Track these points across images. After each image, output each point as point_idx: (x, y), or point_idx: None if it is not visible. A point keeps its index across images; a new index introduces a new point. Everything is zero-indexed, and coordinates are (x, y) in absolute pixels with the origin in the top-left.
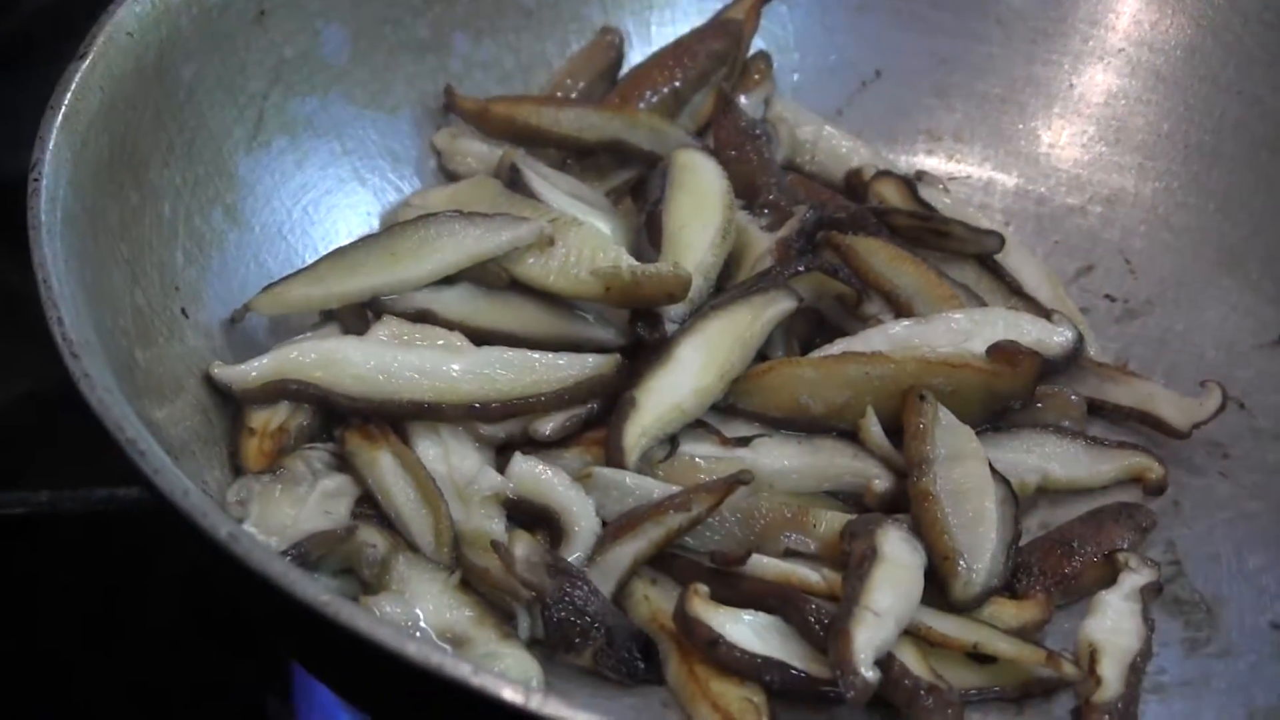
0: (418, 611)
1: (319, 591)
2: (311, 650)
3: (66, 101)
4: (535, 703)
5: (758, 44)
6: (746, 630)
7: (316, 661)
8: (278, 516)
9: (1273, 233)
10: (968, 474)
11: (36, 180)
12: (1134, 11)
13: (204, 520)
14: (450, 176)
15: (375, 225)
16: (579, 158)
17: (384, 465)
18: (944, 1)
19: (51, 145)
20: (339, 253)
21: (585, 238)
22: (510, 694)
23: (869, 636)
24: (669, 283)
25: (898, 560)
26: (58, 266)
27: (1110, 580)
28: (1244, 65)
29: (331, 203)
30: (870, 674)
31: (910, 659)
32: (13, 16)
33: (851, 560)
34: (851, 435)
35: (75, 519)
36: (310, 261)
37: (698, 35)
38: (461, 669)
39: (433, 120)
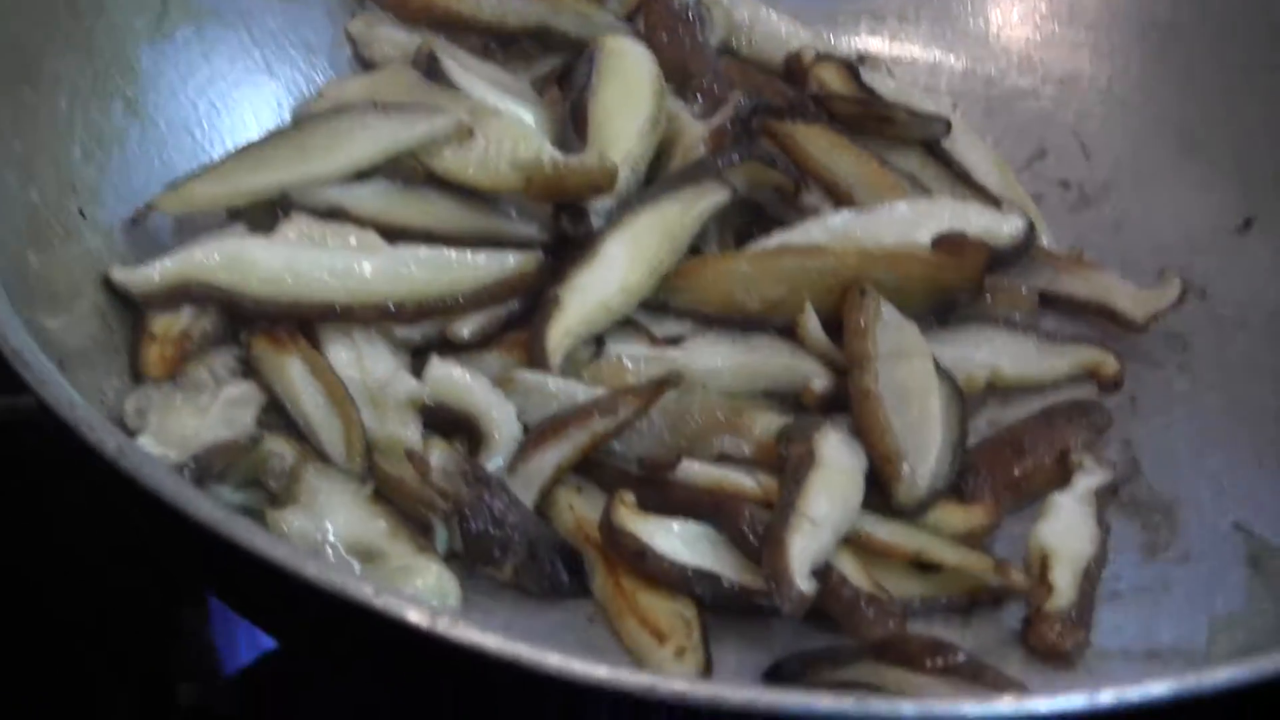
0: (327, 525)
1: (212, 509)
2: (211, 571)
3: None
4: (442, 626)
5: None
6: (676, 540)
7: (218, 583)
8: (178, 427)
9: (1235, 113)
10: (911, 372)
11: None
12: None
13: (90, 434)
14: (366, 65)
15: (287, 119)
16: (502, 45)
17: (292, 371)
18: None
19: None
20: (247, 149)
21: (505, 129)
22: (415, 616)
23: (805, 545)
24: (594, 174)
25: (836, 464)
26: None
27: (1063, 482)
28: None
29: (240, 96)
30: (807, 585)
31: (849, 568)
32: None
33: (788, 465)
34: (789, 332)
35: None
36: (217, 158)
37: None
38: (364, 590)
39: (347, 7)
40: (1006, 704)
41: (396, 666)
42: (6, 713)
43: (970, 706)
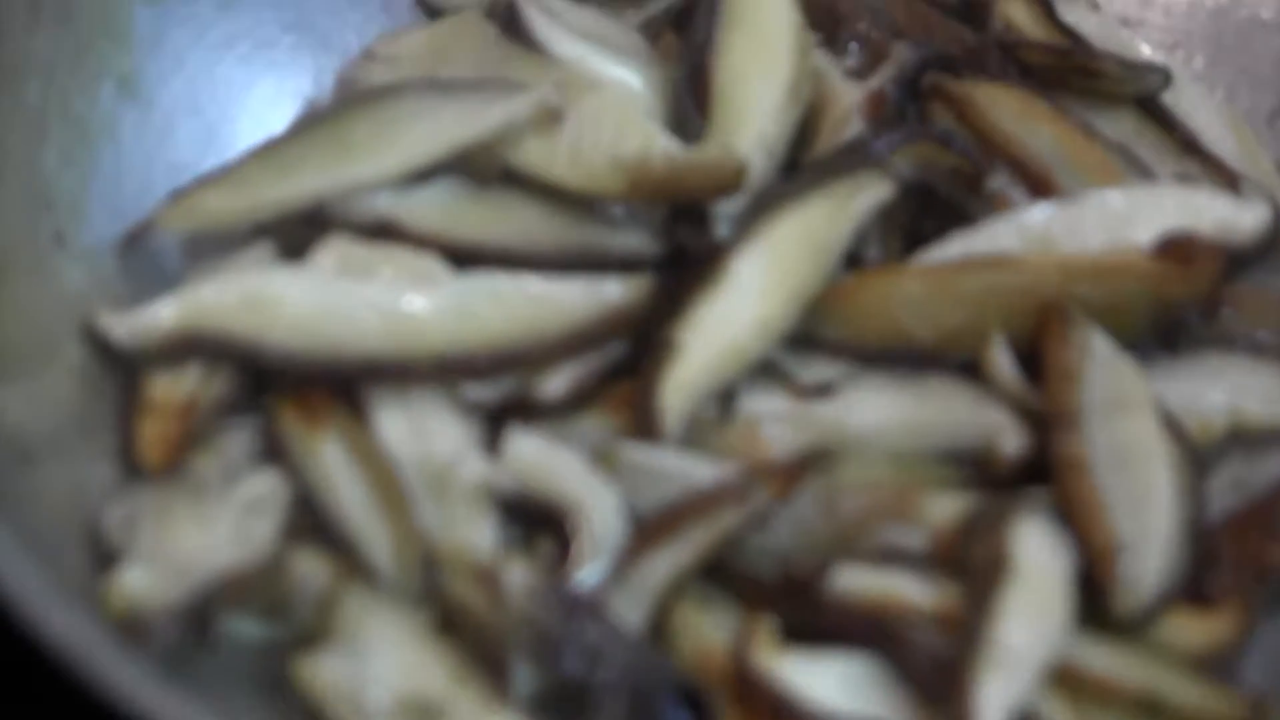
0: (374, 670)
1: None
2: None
3: None
4: None
5: None
6: (831, 682)
7: None
8: (178, 544)
9: None
10: (1131, 429)
11: None
12: None
13: (25, 607)
14: (431, 12)
15: (329, 85)
16: None
17: (328, 454)
18: None
19: None
20: (273, 144)
21: (606, 109)
22: None
23: (1001, 686)
24: (718, 172)
25: (1038, 570)
26: None
27: None
28: None
29: (268, 60)
30: None
31: (1059, 714)
32: None
33: (974, 570)
34: (972, 370)
35: None
36: (236, 156)
37: None
38: None
39: None
40: None
41: None
42: None
43: None
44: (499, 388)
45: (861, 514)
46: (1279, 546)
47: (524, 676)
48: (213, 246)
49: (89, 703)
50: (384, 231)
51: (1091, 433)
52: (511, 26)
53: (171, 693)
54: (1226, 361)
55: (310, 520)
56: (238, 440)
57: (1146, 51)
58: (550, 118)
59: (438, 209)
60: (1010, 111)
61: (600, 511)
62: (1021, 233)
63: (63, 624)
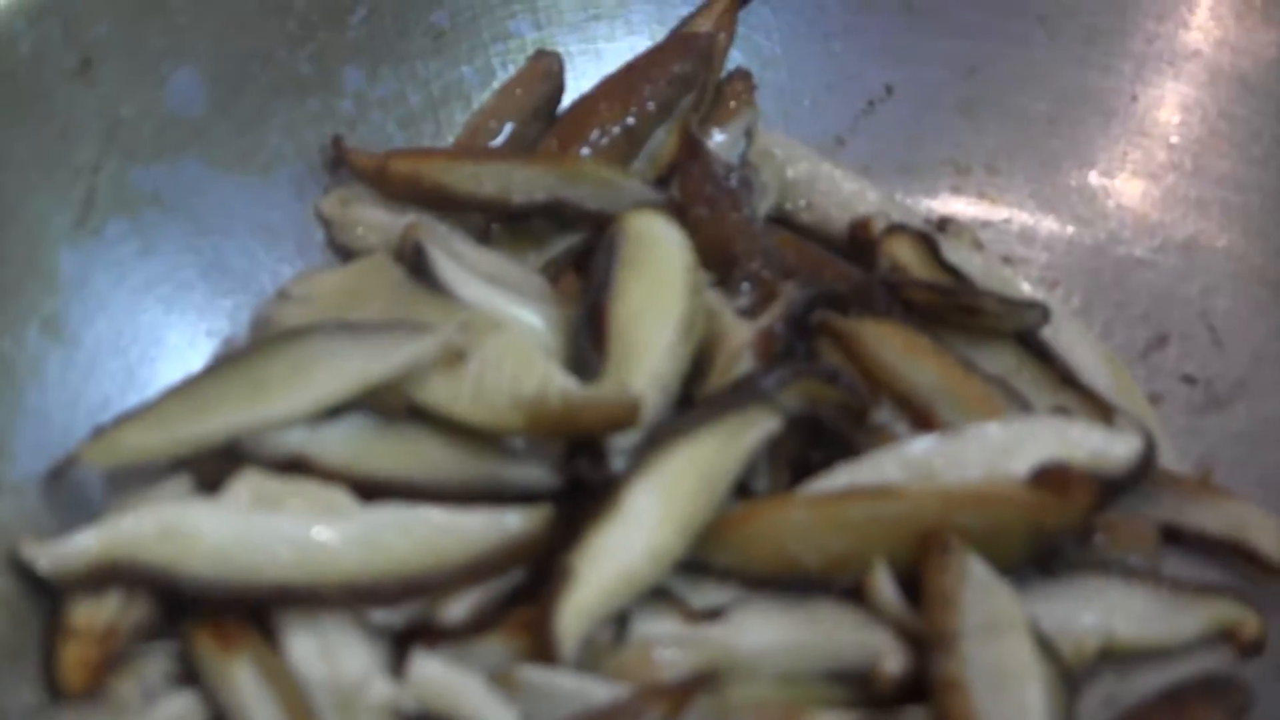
0: None
1: None
2: None
3: None
4: None
5: (735, 59)
6: None
7: None
8: None
9: None
10: (1007, 652)
11: None
12: (1211, 3)
13: None
14: (343, 253)
15: (245, 323)
16: (507, 222)
17: (241, 676)
18: None
19: None
20: (192, 382)
21: (506, 349)
22: None
23: None
24: (613, 410)
25: None
26: None
27: None
28: None
29: (187, 301)
30: None
31: None
32: None
33: None
34: (856, 594)
35: None
36: (156, 394)
37: (656, 54)
38: None
39: (318, 181)
40: None
41: None
42: None
43: None
44: (404, 612)
45: None
46: None
47: None
48: (133, 479)
49: None
50: (295, 466)
51: (969, 654)
52: (418, 269)
53: None
54: (1099, 585)
55: None
56: (156, 663)
57: (1027, 289)
58: (454, 357)
59: (346, 444)
60: (895, 347)
61: None
62: (904, 464)
63: None
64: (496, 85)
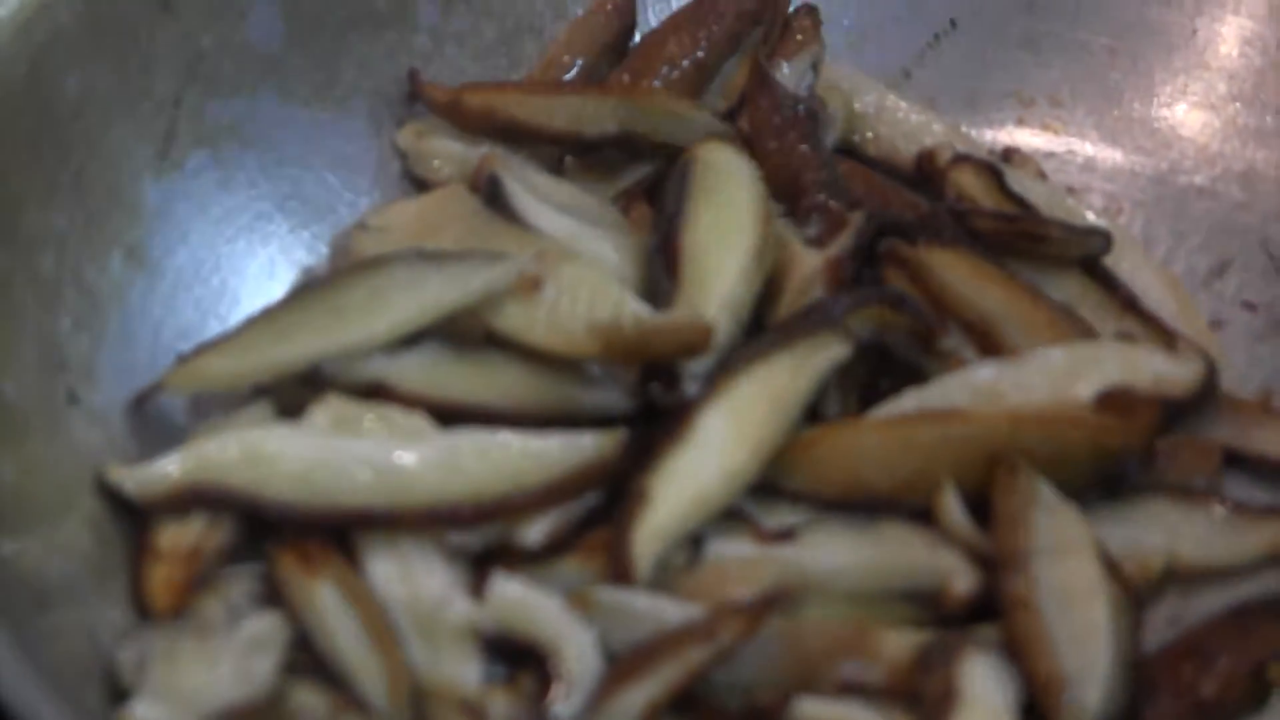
0: None
1: None
2: None
3: None
4: None
5: None
6: None
7: None
8: (185, 681)
9: None
10: (1074, 571)
11: None
12: None
13: None
14: (419, 184)
15: (323, 252)
16: (580, 154)
17: (323, 597)
18: None
19: None
20: (272, 310)
21: (580, 277)
22: None
23: None
24: (685, 335)
25: (985, 702)
26: None
27: (1260, 700)
28: None
29: (266, 231)
30: None
31: None
32: None
33: (926, 700)
34: (925, 516)
35: None
36: (237, 322)
37: None
38: None
39: (394, 114)
40: None
41: None
42: None
43: None
44: (483, 535)
45: (821, 650)
46: (1209, 678)
47: None
48: (216, 405)
49: None
50: (375, 392)
51: (1037, 574)
52: (493, 200)
53: None
54: (1163, 507)
55: (308, 658)
56: (240, 584)
57: (1090, 217)
58: (529, 285)
59: (424, 371)
60: (961, 275)
61: (577, 651)
62: (971, 388)
63: None
64: (569, 19)
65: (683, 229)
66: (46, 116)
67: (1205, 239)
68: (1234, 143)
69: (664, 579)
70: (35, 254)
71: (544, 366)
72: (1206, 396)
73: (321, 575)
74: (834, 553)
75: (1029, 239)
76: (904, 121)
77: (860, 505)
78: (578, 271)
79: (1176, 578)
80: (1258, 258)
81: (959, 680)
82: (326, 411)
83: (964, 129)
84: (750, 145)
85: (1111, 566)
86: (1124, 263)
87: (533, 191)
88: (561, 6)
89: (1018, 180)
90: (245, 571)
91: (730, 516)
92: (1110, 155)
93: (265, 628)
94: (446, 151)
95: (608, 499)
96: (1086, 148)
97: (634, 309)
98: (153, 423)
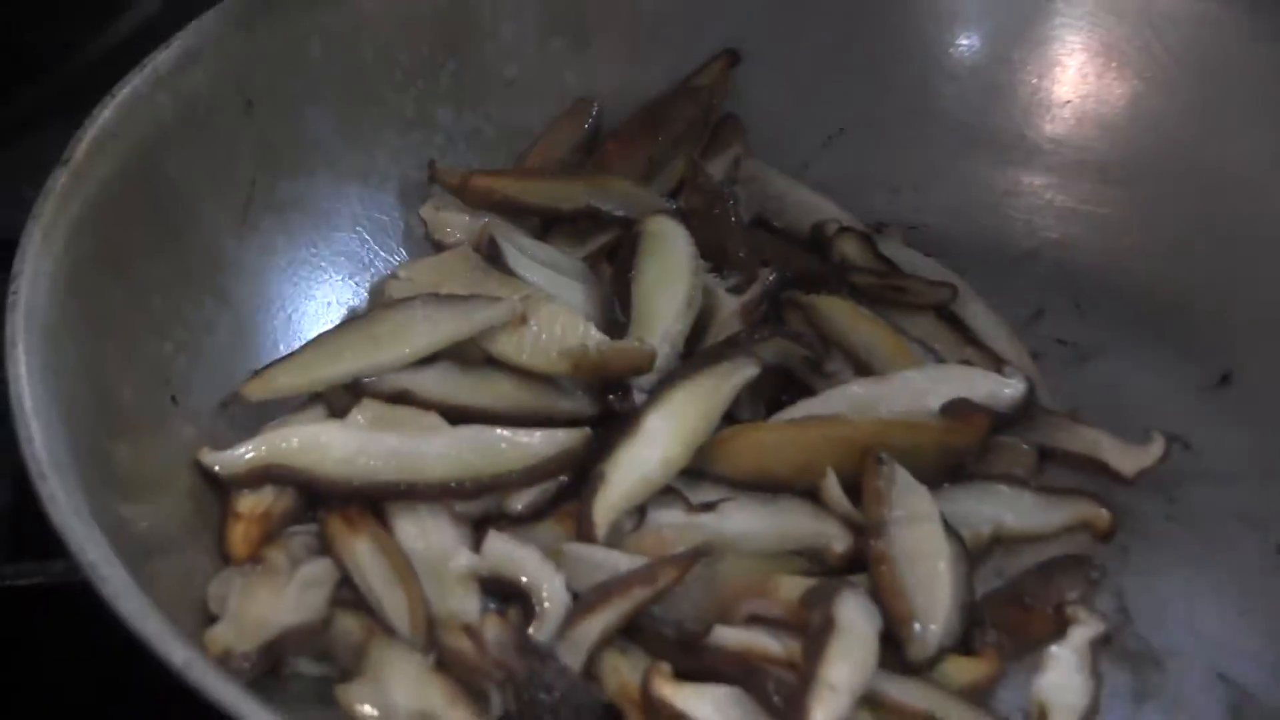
0: (393, 698)
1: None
2: None
3: (47, 211)
4: None
5: (727, 105)
6: (709, 707)
7: None
8: (257, 609)
9: (1215, 281)
10: (922, 535)
11: (15, 295)
12: (1079, 65)
13: (160, 646)
14: (436, 246)
15: (364, 295)
16: (557, 223)
17: (361, 550)
18: (903, 58)
19: (30, 256)
20: (323, 338)
21: (555, 315)
22: None
23: (826, 713)
24: (634, 358)
25: (854, 629)
26: (32, 383)
27: (1060, 633)
28: (1184, 116)
29: (321, 277)
30: None
31: None
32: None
33: (810, 629)
34: (813, 495)
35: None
36: (299, 344)
37: (670, 103)
38: None
39: (418, 192)
40: None
41: None
42: None
43: None
44: (481, 505)
45: (734, 593)
46: (1023, 616)
47: (497, 701)
48: (281, 408)
49: (204, 711)
50: (401, 398)
51: (894, 537)
52: (492, 257)
53: (254, 703)
54: (992, 489)
55: (350, 594)
56: (299, 539)
57: (941, 274)
58: (517, 321)
59: (438, 382)
60: (842, 316)
61: (551, 591)
62: (849, 400)
63: (181, 659)
64: (553, 124)
65: (634, 280)
66: (152, 191)
67: (1028, 292)
68: (1052, 220)
69: (616, 539)
70: (147, 296)
71: (528, 380)
72: (1026, 409)
73: (360, 533)
74: (744, 521)
75: (894, 290)
76: (802, 203)
77: (764, 486)
78: (554, 310)
79: (1001, 542)
80: (1069, 306)
81: (836, 614)
82: (365, 412)
83: (847, 208)
84: (686, 219)
85: (951, 532)
86: (966, 309)
87: (521, 251)
88: (547, 114)
89: (887, 246)
90: (303, 530)
91: (667, 493)
92: (957, 227)
93: (317, 571)
94: (457, 221)
95: (575, 480)
96: (940, 222)
97: (596, 339)
98: (234, 420)
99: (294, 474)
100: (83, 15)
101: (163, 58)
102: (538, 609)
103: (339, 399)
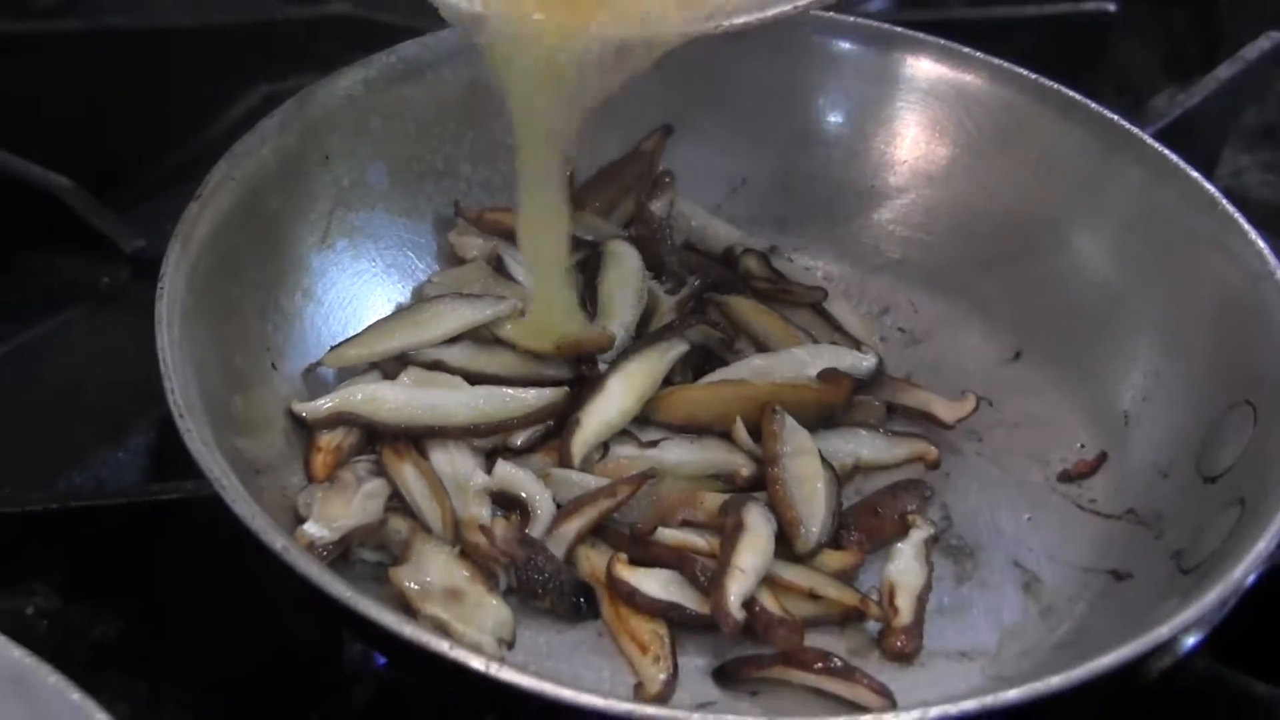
0: (429, 576)
1: (344, 589)
2: (344, 623)
3: (183, 231)
4: (493, 670)
5: (665, 163)
6: (655, 584)
7: (349, 628)
8: (332, 513)
9: (1009, 285)
10: (805, 464)
11: (161, 288)
12: (913, 136)
13: (265, 537)
14: (460, 262)
15: (408, 295)
16: None
17: (407, 473)
18: (789, 130)
19: (172, 263)
20: (380, 322)
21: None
22: (477, 663)
23: (737, 588)
24: (600, 342)
25: (757, 529)
26: (174, 352)
27: (904, 534)
28: (986, 171)
29: (377, 282)
30: (739, 614)
31: (767, 600)
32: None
33: (725, 530)
34: (727, 436)
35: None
36: (362, 328)
37: (624, 162)
38: (440, 644)
39: (447, 223)
40: None
41: (466, 692)
42: None
43: None
44: (491, 441)
45: (671, 504)
46: (877, 522)
47: (504, 579)
48: (350, 373)
49: (297, 585)
50: (435, 366)
51: (785, 465)
52: (499, 269)
53: (330, 576)
54: (853, 432)
55: (399, 503)
56: (363, 464)
57: (816, 280)
58: (517, 313)
59: (462, 356)
60: (747, 311)
61: (542, 502)
62: (751, 369)
63: (280, 545)
64: None
65: (599, 285)
66: (257, 219)
67: (879, 295)
68: (894, 248)
69: (588, 465)
70: (254, 292)
71: (525, 355)
72: (877, 376)
73: (406, 460)
74: (678, 453)
75: (783, 293)
76: (718, 232)
77: (693, 430)
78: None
79: (859, 469)
80: (907, 305)
81: (745, 519)
82: (409, 376)
83: (749, 235)
84: (636, 242)
85: (825, 462)
86: (834, 306)
87: (519, 264)
88: None
89: (778, 262)
90: (365, 458)
91: (623, 434)
92: (830, 249)
93: (376, 487)
94: (474, 243)
95: (558, 425)
96: (815, 245)
97: (574, 327)
98: (317, 381)
99: (359, 419)
100: (200, 107)
101: (267, 124)
102: (533, 514)
103: (391, 367)
